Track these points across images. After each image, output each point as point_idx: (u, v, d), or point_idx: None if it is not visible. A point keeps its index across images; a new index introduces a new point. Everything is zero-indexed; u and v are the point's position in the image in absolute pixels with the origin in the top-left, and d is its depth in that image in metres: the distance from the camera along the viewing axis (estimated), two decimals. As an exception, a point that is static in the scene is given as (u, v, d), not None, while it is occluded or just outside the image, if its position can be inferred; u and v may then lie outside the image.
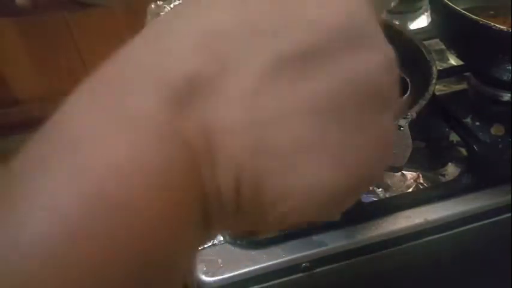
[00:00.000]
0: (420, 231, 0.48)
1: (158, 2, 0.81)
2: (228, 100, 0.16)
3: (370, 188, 0.53)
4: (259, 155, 0.16)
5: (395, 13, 0.81)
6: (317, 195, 0.17)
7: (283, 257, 0.44)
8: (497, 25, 0.46)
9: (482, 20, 0.47)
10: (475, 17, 0.48)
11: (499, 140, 0.51)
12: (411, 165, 0.55)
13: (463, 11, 0.49)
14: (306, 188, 0.17)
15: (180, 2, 0.80)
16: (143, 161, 0.15)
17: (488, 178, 0.50)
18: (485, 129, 0.52)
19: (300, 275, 0.45)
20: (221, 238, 0.46)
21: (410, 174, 0.54)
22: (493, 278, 0.57)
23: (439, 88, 0.61)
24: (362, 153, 0.17)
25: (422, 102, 0.43)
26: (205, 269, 0.43)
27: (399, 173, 0.54)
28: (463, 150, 0.56)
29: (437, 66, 0.50)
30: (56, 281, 0.14)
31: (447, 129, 0.58)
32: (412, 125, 0.39)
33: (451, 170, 0.55)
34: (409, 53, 0.52)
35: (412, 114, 0.41)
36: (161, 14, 0.78)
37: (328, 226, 0.46)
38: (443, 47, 0.64)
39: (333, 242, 0.46)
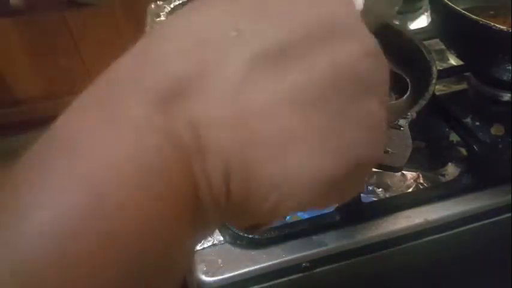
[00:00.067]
0: (420, 231, 0.48)
1: (158, 2, 0.81)
2: (213, 97, 0.16)
3: (370, 188, 0.53)
4: (247, 146, 0.17)
5: (396, 13, 0.81)
6: (307, 181, 0.17)
7: (283, 257, 0.44)
8: (497, 25, 0.46)
9: (482, 20, 0.47)
10: (475, 17, 0.48)
11: (499, 140, 0.51)
12: (411, 165, 0.55)
13: (463, 11, 0.49)
14: (296, 175, 0.17)
15: (180, 2, 0.80)
16: (143, 161, 0.15)
17: (488, 178, 0.50)
18: (485, 129, 0.52)
19: (300, 275, 0.45)
20: (221, 238, 0.46)
21: (410, 174, 0.54)
22: (493, 278, 0.57)
23: (439, 88, 0.61)
24: (348, 137, 0.18)
25: (422, 102, 0.43)
26: (205, 269, 0.43)
27: (399, 173, 0.54)
28: (463, 150, 0.56)
29: (437, 66, 0.50)
30: (56, 281, 0.14)
31: (447, 129, 0.58)
32: (412, 125, 0.39)
33: (451, 170, 0.55)
34: (409, 53, 0.52)
35: (412, 114, 0.41)
36: (161, 14, 0.78)
37: (328, 226, 0.46)
38: (443, 47, 0.64)
39: (333, 242, 0.46)
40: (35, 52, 1.47)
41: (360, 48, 0.18)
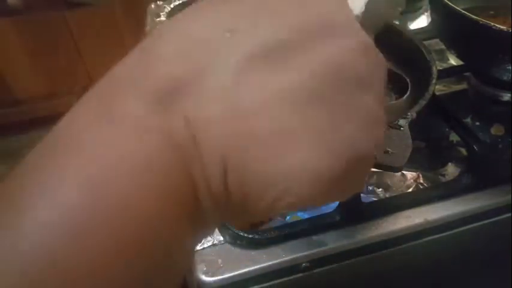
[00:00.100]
0: (420, 231, 0.48)
1: (158, 2, 0.81)
2: (208, 96, 0.17)
3: (370, 188, 0.53)
4: (243, 144, 0.17)
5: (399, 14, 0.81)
6: (307, 178, 0.17)
7: (283, 257, 0.44)
8: (497, 25, 0.46)
9: (482, 20, 0.47)
10: (475, 17, 0.47)
11: (499, 140, 0.51)
12: (411, 165, 0.55)
13: (463, 11, 0.49)
14: (294, 172, 0.17)
15: (180, 2, 0.80)
16: (143, 161, 0.15)
17: (488, 178, 0.50)
18: (485, 129, 0.52)
19: (300, 275, 0.45)
20: (221, 238, 0.46)
21: (410, 174, 0.54)
22: (493, 278, 0.57)
23: (439, 88, 0.61)
24: (346, 133, 0.18)
25: (422, 102, 0.43)
26: (205, 269, 0.43)
27: (399, 173, 0.54)
28: (463, 150, 0.56)
29: (437, 66, 0.50)
30: (57, 282, 0.14)
31: (447, 129, 0.58)
32: (412, 125, 0.39)
33: (451, 170, 0.55)
34: (409, 53, 0.52)
35: (412, 114, 0.41)
36: (161, 14, 0.78)
37: (328, 226, 0.46)
38: (443, 47, 0.64)
39: (333, 242, 0.45)
40: (35, 52, 1.47)
41: (354, 45, 0.18)
